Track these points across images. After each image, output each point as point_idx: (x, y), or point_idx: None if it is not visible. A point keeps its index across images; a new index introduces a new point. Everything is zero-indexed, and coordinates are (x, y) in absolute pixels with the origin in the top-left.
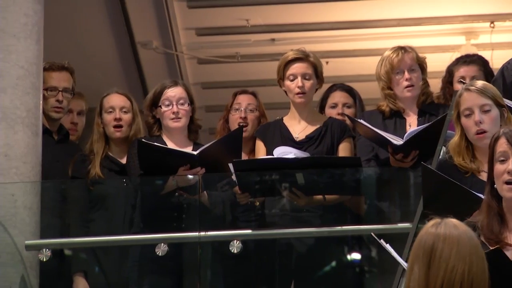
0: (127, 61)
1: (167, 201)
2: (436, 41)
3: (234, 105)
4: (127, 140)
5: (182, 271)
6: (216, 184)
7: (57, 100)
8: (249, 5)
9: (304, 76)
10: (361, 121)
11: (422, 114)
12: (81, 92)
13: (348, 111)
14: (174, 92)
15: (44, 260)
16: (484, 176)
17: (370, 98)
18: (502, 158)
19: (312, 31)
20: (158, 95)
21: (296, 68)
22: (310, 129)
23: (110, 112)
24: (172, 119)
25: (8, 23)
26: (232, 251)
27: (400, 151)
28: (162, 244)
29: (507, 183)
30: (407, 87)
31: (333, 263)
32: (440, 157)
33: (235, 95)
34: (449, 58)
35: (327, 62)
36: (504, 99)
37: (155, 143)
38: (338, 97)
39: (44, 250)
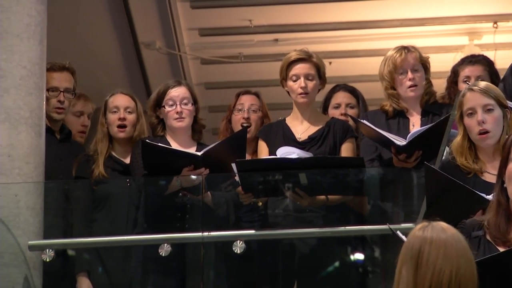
0: (130, 61)
1: (170, 202)
2: (439, 42)
3: (237, 106)
4: (131, 140)
5: (185, 271)
6: (219, 184)
7: (59, 101)
8: (252, 6)
9: (307, 77)
10: (364, 121)
11: (425, 114)
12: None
13: (351, 112)
14: (177, 92)
15: (48, 260)
16: (486, 177)
17: (373, 99)
18: None
19: (315, 32)
20: (162, 95)
21: (299, 68)
22: (313, 129)
23: (115, 112)
24: (176, 119)
25: (11, 23)
26: (236, 251)
27: (403, 151)
28: (165, 244)
29: None
30: (410, 87)
31: (336, 264)
32: (444, 157)
33: (238, 95)
34: (452, 58)
35: (330, 63)
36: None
37: (159, 144)
38: (341, 97)
39: (47, 250)
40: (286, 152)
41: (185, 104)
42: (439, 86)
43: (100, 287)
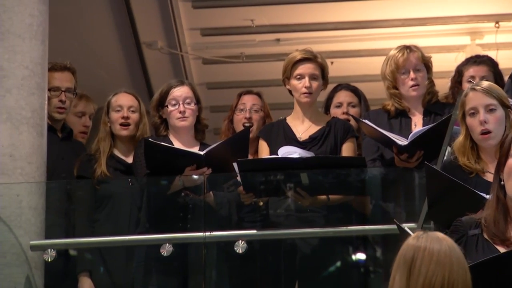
0: (132, 61)
1: (172, 201)
2: (441, 41)
3: (239, 106)
4: (133, 139)
5: (187, 271)
6: (221, 184)
7: (60, 100)
8: (254, 5)
9: (311, 77)
10: (366, 121)
11: (427, 114)
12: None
13: (353, 111)
14: (180, 92)
15: (49, 260)
16: (488, 177)
17: (375, 98)
18: None
19: (317, 31)
20: (165, 95)
21: (304, 68)
22: (314, 129)
23: (118, 110)
24: (179, 118)
25: (13, 23)
26: (237, 251)
27: (405, 151)
28: (167, 244)
29: None
30: (412, 86)
31: (338, 264)
32: (445, 157)
33: (239, 95)
34: (454, 58)
35: (332, 62)
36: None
37: (162, 143)
38: (343, 96)
39: (49, 250)
40: (288, 151)
41: (188, 103)
42: (441, 85)
43: (102, 287)
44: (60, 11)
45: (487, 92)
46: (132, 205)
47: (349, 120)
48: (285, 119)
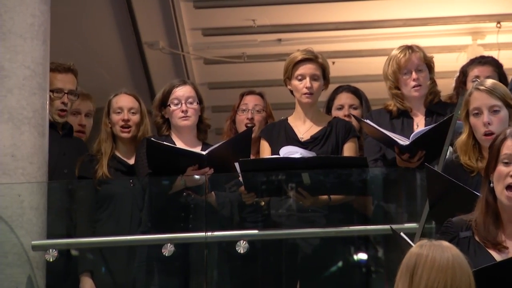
0: (133, 61)
1: (174, 201)
2: (443, 41)
3: (241, 106)
4: (135, 140)
5: (188, 271)
6: (222, 184)
7: (63, 102)
8: (255, 6)
9: (312, 77)
10: (367, 121)
11: (429, 114)
12: (88, 94)
13: (355, 113)
14: (182, 91)
15: (51, 260)
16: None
17: (377, 99)
18: (506, 161)
19: (319, 31)
20: (167, 95)
21: (305, 68)
22: (315, 129)
23: (119, 112)
24: (181, 117)
25: (14, 23)
26: (239, 251)
27: (406, 151)
28: (169, 244)
29: (508, 187)
30: (414, 87)
31: (340, 264)
32: (447, 157)
33: (242, 95)
34: (455, 58)
35: (333, 62)
36: None
37: (164, 142)
38: (344, 98)
39: (50, 250)
40: (289, 151)
41: (190, 103)
42: (443, 86)
43: (104, 287)
44: (62, 11)
45: (491, 92)
46: (134, 205)
47: (350, 121)
48: (287, 119)
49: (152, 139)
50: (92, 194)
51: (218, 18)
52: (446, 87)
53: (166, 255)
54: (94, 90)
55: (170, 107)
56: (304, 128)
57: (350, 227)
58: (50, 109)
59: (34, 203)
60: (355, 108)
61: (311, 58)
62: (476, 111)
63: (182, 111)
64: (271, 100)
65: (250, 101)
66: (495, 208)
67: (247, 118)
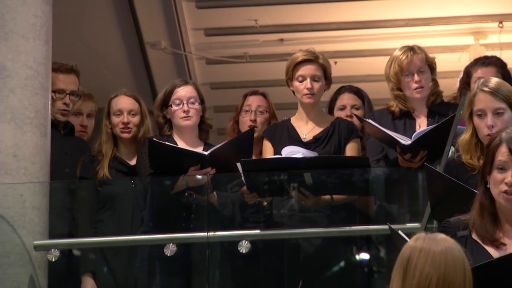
0: (135, 61)
1: (176, 201)
2: (445, 41)
3: (244, 107)
4: (136, 140)
5: (190, 272)
6: (224, 184)
7: (64, 103)
8: (257, 6)
9: (313, 78)
10: (370, 121)
11: (432, 115)
12: (90, 94)
13: (357, 113)
14: (184, 91)
15: (53, 260)
16: None
17: (379, 98)
18: (501, 167)
19: (321, 31)
20: (169, 95)
21: (306, 69)
22: (318, 129)
23: (118, 115)
24: (183, 117)
25: (17, 23)
26: (241, 251)
27: (408, 151)
28: (171, 244)
29: (505, 192)
30: (416, 88)
31: (342, 264)
32: (449, 157)
33: (245, 96)
34: (457, 58)
35: (335, 62)
36: None
37: (166, 142)
38: (346, 99)
39: (52, 250)
40: (291, 151)
41: (192, 103)
42: (445, 86)
43: (105, 287)
44: (64, 11)
45: (495, 94)
46: (135, 206)
47: (353, 121)
48: (289, 120)
49: (154, 139)
50: (94, 194)
51: (220, 18)
52: (448, 87)
53: (168, 255)
54: (96, 90)
55: (171, 107)
56: (307, 129)
57: (352, 227)
58: (52, 109)
59: (36, 203)
60: (357, 109)
61: (311, 59)
62: (480, 113)
63: (184, 111)
64: (273, 101)
65: (253, 102)
66: (492, 207)
67: (250, 120)
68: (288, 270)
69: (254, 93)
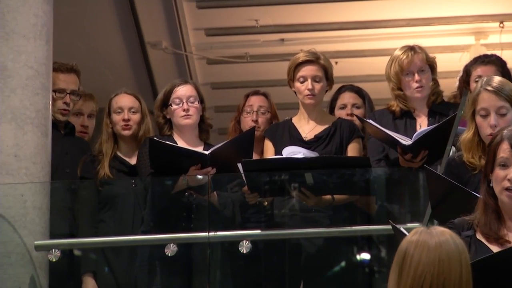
0: (136, 61)
1: (176, 201)
2: (445, 41)
3: (246, 107)
4: (136, 139)
5: (191, 272)
6: (225, 184)
7: (65, 103)
8: (258, 6)
9: (314, 79)
10: (370, 121)
11: (432, 115)
12: (91, 94)
13: (357, 112)
14: (184, 91)
15: (54, 260)
16: None
17: (380, 98)
18: (503, 164)
19: (322, 31)
20: (168, 94)
21: (307, 70)
22: (319, 128)
23: (119, 112)
24: (183, 116)
25: (17, 23)
26: (242, 251)
27: (409, 151)
28: (172, 244)
29: (507, 189)
30: (417, 88)
31: (343, 263)
32: (449, 156)
33: (246, 96)
34: (458, 58)
35: (336, 63)
36: None
37: (167, 142)
38: (347, 98)
39: (53, 250)
40: (292, 151)
41: (192, 102)
42: (445, 85)
43: (106, 287)
44: (65, 11)
45: (499, 93)
46: (136, 205)
47: (354, 121)
48: (291, 119)
49: (155, 138)
50: (95, 194)
51: (221, 18)
52: (448, 87)
53: (169, 255)
54: (97, 90)
55: (171, 106)
56: (308, 128)
57: (353, 227)
58: (52, 109)
59: (37, 203)
60: (358, 108)
61: (312, 59)
62: (483, 112)
63: (184, 110)
64: (274, 100)
65: (255, 102)
66: (496, 206)
67: (252, 120)
68: (289, 270)
69: (256, 93)
